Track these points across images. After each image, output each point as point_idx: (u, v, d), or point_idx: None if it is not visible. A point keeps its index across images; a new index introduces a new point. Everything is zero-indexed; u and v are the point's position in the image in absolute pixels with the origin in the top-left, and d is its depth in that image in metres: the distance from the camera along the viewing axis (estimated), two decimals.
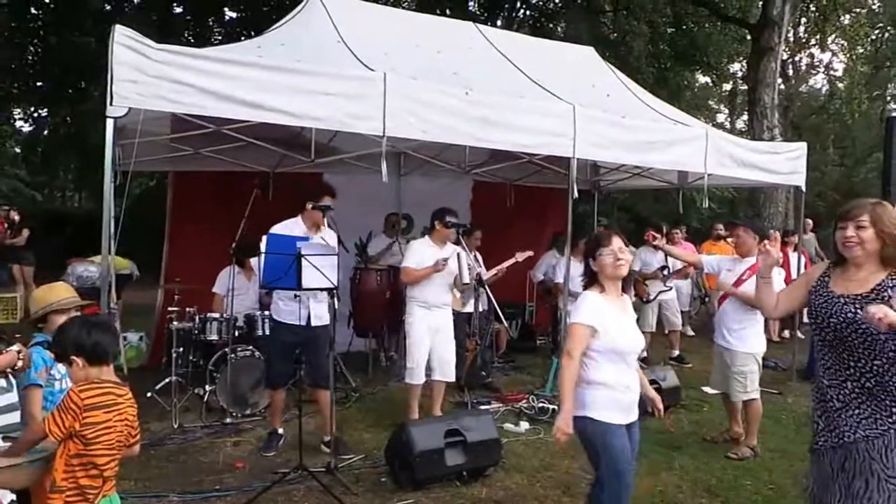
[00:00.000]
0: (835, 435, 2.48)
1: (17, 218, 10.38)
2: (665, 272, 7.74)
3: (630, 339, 3.00)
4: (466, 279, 5.06)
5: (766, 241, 2.89)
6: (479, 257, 6.66)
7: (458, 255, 5.03)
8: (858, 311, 2.38)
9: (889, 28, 20.13)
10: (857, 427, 2.42)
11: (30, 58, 16.05)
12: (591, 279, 3.06)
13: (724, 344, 4.81)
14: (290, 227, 4.44)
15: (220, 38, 16.18)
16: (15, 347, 2.63)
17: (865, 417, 2.41)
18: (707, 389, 6.44)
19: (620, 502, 2.93)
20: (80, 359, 2.31)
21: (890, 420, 2.38)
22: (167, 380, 5.35)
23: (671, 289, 7.93)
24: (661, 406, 3.23)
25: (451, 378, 5.18)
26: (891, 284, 2.39)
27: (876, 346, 2.39)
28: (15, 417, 3.05)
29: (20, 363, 2.62)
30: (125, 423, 2.37)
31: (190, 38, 15.66)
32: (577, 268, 5.98)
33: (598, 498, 3.00)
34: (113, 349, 2.42)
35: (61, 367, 2.58)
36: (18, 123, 19.79)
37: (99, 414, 2.27)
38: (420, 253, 5.05)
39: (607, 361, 2.92)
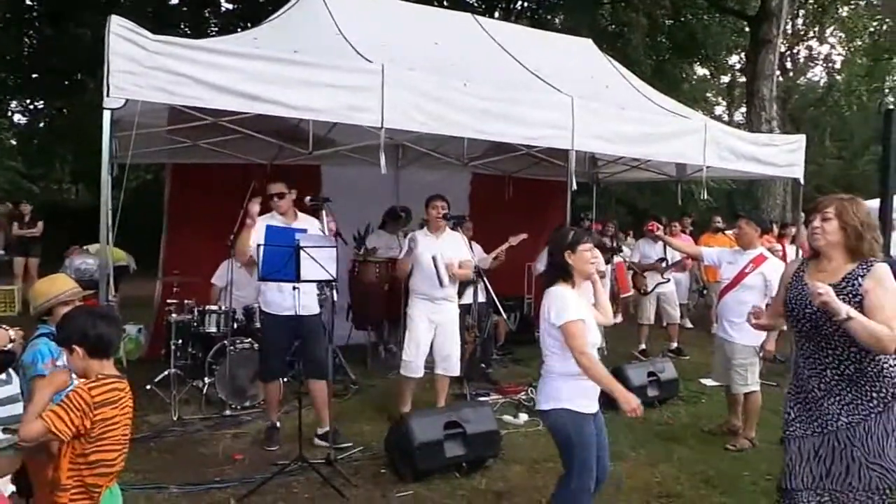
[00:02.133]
0: (816, 424, 2.54)
1: (28, 210, 10.39)
2: (664, 264, 7.75)
3: (596, 332, 3.07)
4: (445, 282, 4.93)
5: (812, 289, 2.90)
6: (477, 246, 6.65)
7: (434, 258, 4.89)
8: None
9: (887, 20, 20.08)
10: (839, 414, 2.49)
11: (26, 49, 15.98)
12: (562, 273, 3.04)
13: (725, 336, 4.83)
14: (268, 220, 4.42)
15: (216, 29, 16.11)
16: (12, 332, 2.59)
17: (847, 403, 2.48)
18: (707, 382, 6.49)
19: (586, 495, 2.97)
20: (82, 349, 2.29)
21: (871, 404, 2.45)
22: (166, 372, 5.35)
23: (669, 281, 7.94)
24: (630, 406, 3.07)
25: (455, 373, 5.18)
26: (860, 273, 2.46)
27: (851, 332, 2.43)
28: (14, 409, 3.04)
29: (11, 344, 2.57)
30: (128, 416, 2.36)
31: (186, 29, 15.57)
32: None
33: (566, 492, 3.01)
34: (115, 343, 2.41)
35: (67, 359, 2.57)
36: (14, 116, 19.71)
37: (107, 410, 2.26)
38: (415, 245, 5.03)
39: None
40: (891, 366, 2.44)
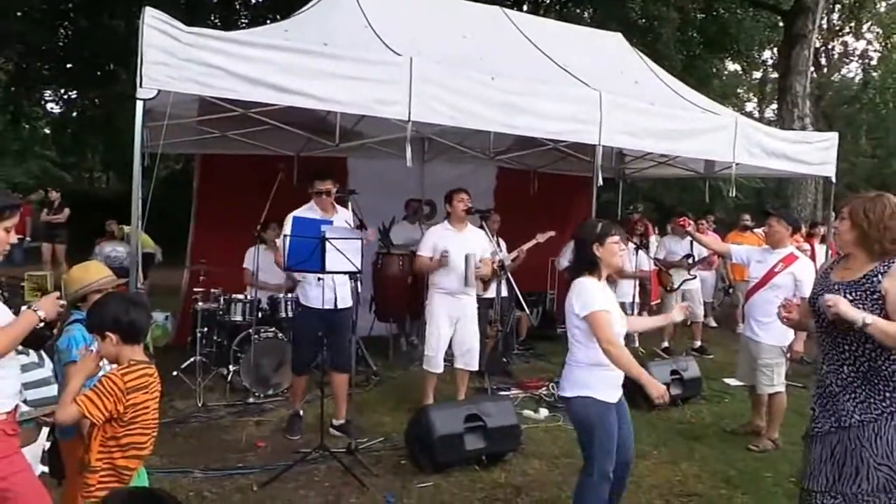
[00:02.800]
0: (833, 419, 2.53)
1: (56, 197, 10.65)
2: (690, 261, 7.67)
3: (621, 322, 3.09)
4: (471, 283, 4.96)
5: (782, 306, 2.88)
6: (502, 242, 6.65)
7: (467, 256, 4.92)
8: (847, 294, 2.45)
9: None
10: (853, 411, 2.46)
11: (60, 40, 16.28)
12: (589, 266, 3.06)
13: (752, 336, 4.76)
14: (305, 212, 4.46)
15: (246, 21, 16.26)
16: (41, 312, 2.45)
17: (861, 401, 2.46)
18: (731, 381, 6.42)
19: (606, 483, 3.00)
20: (116, 335, 2.34)
21: (884, 404, 2.42)
22: (192, 359, 5.45)
23: (695, 277, 7.85)
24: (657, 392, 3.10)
25: (474, 367, 5.18)
26: (882, 271, 2.42)
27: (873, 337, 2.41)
28: (46, 392, 3.13)
29: (42, 324, 2.49)
30: (156, 400, 2.41)
31: (216, 21, 15.74)
32: None
33: (588, 481, 3.05)
34: (146, 329, 2.46)
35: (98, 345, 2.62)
36: (49, 105, 20.12)
37: (138, 395, 2.30)
38: (434, 240, 5.04)
39: None
40: None
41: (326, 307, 4.42)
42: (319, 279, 4.25)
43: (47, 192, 11.12)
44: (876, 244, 2.44)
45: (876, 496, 2.40)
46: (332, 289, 4.37)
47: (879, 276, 2.41)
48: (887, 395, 2.41)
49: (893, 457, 2.37)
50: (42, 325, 2.44)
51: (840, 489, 2.45)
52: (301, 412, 4.79)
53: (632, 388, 3.20)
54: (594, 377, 3.00)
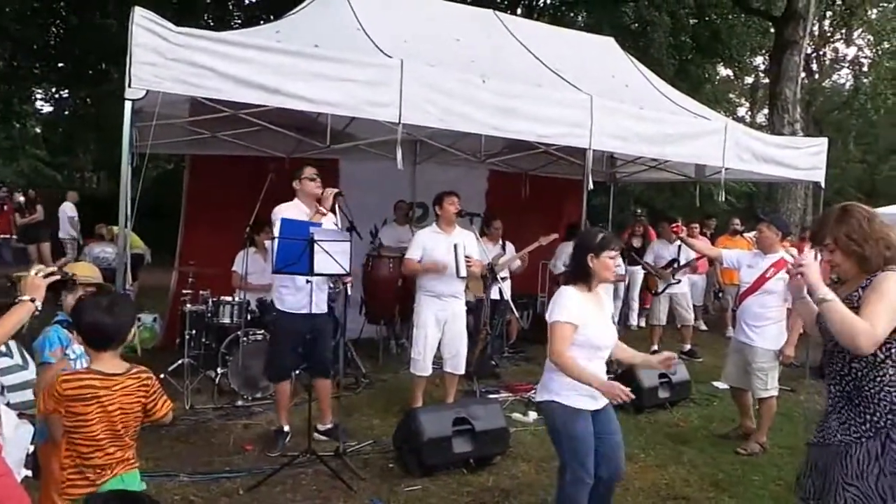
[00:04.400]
0: (821, 435, 2.49)
1: (22, 199, 10.58)
2: (675, 265, 7.70)
3: (605, 335, 3.08)
4: (463, 272, 4.92)
5: (794, 260, 2.77)
6: (510, 245, 6.66)
7: (455, 245, 4.91)
8: None
9: None
10: (836, 430, 2.42)
11: (51, 38, 16.20)
12: (580, 274, 3.07)
13: (746, 340, 4.78)
14: (291, 208, 4.37)
15: (239, 21, 16.21)
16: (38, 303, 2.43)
17: (843, 422, 2.40)
18: (719, 384, 6.43)
19: (580, 486, 2.99)
20: (81, 338, 2.34)
21: (863, 427, 2.34)
22: (180, 361, 5.42)
23: (680, 282, 7.88)
24: (673, 359, 3.16)
25: (461, 371, 5.18)
26: (864, 285, 2.36)
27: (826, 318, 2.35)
28: (28, 395, 3.10)
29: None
30: (118, 411, 2.31)
31: (209, 21, 15.69)
32: None
33: (561, 482, 3.08)
34: (118, 335, 2.35)
35: (77, 348, 2.59)
36: (39, 104, 20.02)
37: (77, 406, 2.24)
38: (423, 243, 5.02)
39: (581, 353, 2.99)
40: (894, 390, 2.31)
41: (302, 312, 4.33)
42: (308, 281, 4.22)
43: (10, 193, 11.07)
44: (876, 259, 2.36)
45: None
46: (307, 294, 4.27)
47: (860, 291, 2.36)
48: (867, 417, 2.35)
49: (863, 479, 2.30)
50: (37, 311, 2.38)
51: (825, 500, 2.43)
52: (286, 427, 4.60)
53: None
54: (559, 382, 3.01)
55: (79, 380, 2.27)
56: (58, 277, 2.48)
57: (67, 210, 11.82)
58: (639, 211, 10.08)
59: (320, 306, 4.43)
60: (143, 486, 2.49)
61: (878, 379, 2.33)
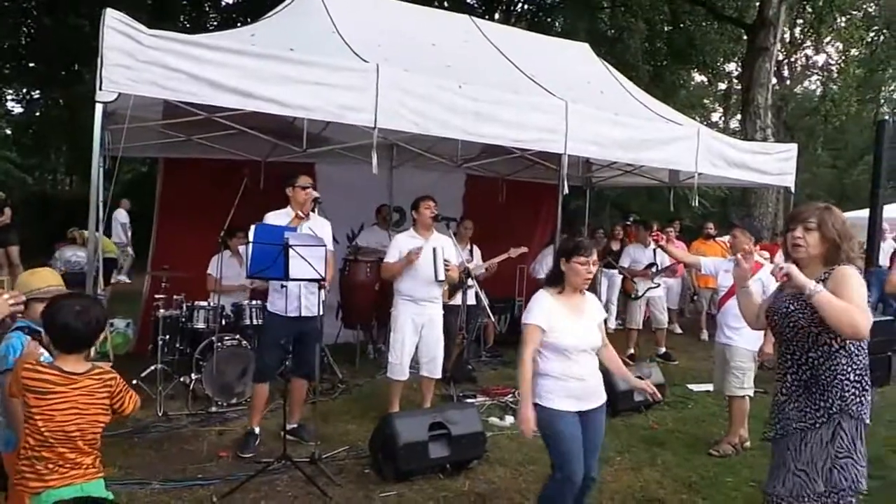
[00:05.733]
0: (780, 427, 2.60)
1: None
2: (654, 269, 7.78)
3: (573, 339, 3.11)
4: (441, 276, 4.94)
5: (743, 251, 2.92)
6: (477, 250, 6.67)
7: (434, 249, 4.93)
8: (791, 304, 2.50)
9: (884, 31, 20.18)
10: (794, 419, 2.53)
11: (23, 39, 15.90)
12: (555, 278, 3.19)
13: (725, 340, 4.87)
14: (282, 216, 4.41)
15: (216, 24, 16.08)
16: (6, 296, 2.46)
17: (800, 409, 2.52)
18: (694, 387, 6.55)
19: (566, 485, 3.06)
20: (48, 338, 2.35)
21: (818, 414, 2.47)
22: (152, 367, 5.34)
23: (659, 286, 7.97)
24: (650, 390, 3.29)
25: (438, 375, 5.18)
26: (823, 278, 2.47)
27: (809, 338, 2.48)
28: None
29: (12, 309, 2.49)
30: (72, 411, 2.30)
31: (185, 23, 15.54)
32: None
33: (551, 482, 3.16)
34: (87, 340, 2.37)
35: (44, 351, 2.57)
36: (10, 104, 19.63)
37: (30, 397, 2.28)
38: (399, 247, 5.03)
39: (554, 356, 3.09)
40: (846, 379, 2.44)
41: (291, 315, 4.38)
42: (283, 286, 4.20)
43: None
44: (844, 254, 2.49)
45: (788, 501, 2.47)
46: (296, 297, 4.34)
47: (821, 284, 2.45)
48: (821, 404, 2.46)
49: (812, 464, 2.43)
50: None
51: (769, 491, 2.56)
52: (257, 430, 4.59)
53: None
54: (541, 385, 3.09)
55: (37, 372, 2.30)
56: (22, 308, 2.53)
57: (120, 217, 12.11)
58: (634, 218, 10.14)
59: (311, 310, 4.42)
60: (110, 495, 2.45)
61: (833, 368, 2.46)
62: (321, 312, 4.34)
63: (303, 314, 4.41)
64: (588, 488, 3.25)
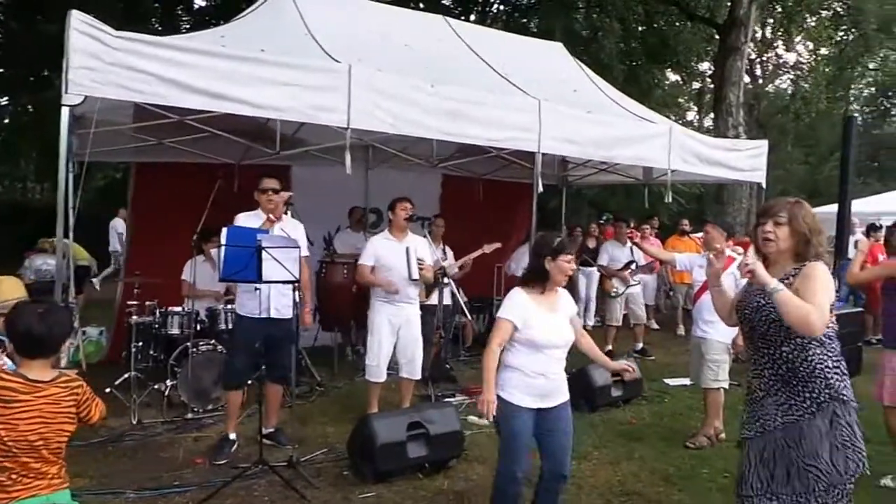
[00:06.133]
0: (759, 424, 2.58)
1: None
2: (633, 266, 7.85)
3: (549, 335, 3.14)
4: (415, 275, 4.94)
5: (715, 251, 2.94)
6: (448, 250, 6.67)
7: (407, 249, 4.94)
8: (763, 298, 2.51)
9: (852, 30, 20.60)
10: (776, 414, 2.52)
11: None
12: (535, 276, 3.19)
13: (700, 334, 4.94)
14: (252, 218, 4.37)
15: (188, 26, 15.89)
16: None
17: (782, 404, 2.51)
18: (670, 381, 6.61)
19: (507, 479, 3.13)
20: (11, 345, 2.30)
21: (804, 405, 2.47)
22: (126, 375, 5.25)
23: (639, 283, 8.05)
24: (630, 369, 3.50)
25: (417, 376, 5.18)
26: (793, 273, 2.50)
27: (782, 332, 2.49)
28: None
29: None
30: (37, 420, 2.27)
31: (157, 26, 15.34)
32: None
33: (496, 474, 3.21)
34: (50, 344, 2.33)
35: (6, 360, 2.52)
36: None
37: None
38: (375, 249, 5.02)
39: (525, 350, 3.12)
40: (825, 367, 2.47)
41: (262, 316, 4.32)
42: (256, 289, 4.16)
43: None
44: (814, 249, 2.51)
45: (807, 497, 2.44)
46: (267, 298, 4.29)
47: (791, 279, 2.49)
48: (807, 395, 2.46)
49: (820, 457, 2.41)
50: None
51: (775, 490, 2.49)
52: (233, 436, 4.55)
53: (573, 391, 3.35)
54: (504, 378, 3.14)
55: (1, 380, 2.25)
56: None
57: (118, 226, 12.13)
58: (607, 217, 10.21)
59: (281, 311, 4.39)
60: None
61: (809, 359, 2.47)
62: (296, 313, 4.31)
63: (273, 316, 4.34)
64: (561, 485, 3.27)
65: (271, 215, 4.35)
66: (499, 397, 3.08)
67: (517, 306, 3.13)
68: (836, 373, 2.48)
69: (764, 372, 2.58)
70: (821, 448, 2.41)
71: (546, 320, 3.13)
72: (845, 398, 2.46)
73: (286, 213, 4.55)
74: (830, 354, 2.49)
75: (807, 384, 2.47)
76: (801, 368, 2.48)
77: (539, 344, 3.10)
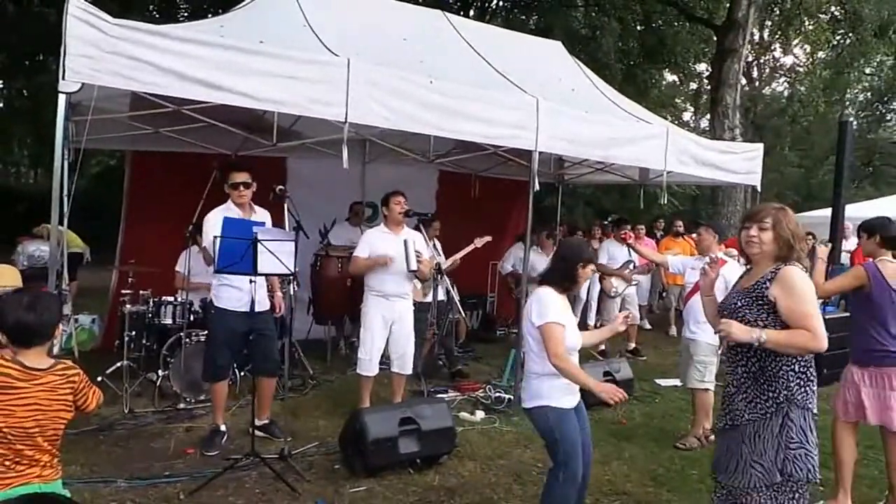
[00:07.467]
0: (729, 418, 2.70)
1: None
2: (631, 266, 7.87)
3: (576, 337, 3.17)
4: (413, 266, 4.92)
5: (710, 260, 3.00)
6: (439, 246, 6.68)
7: (405, 241, 4.94)
8: (739, 300, 2.62)
9: (850, 34, 20.65)
10: (744, 410, 2.63)
11: None
12: (562, 279, 3.17)
13: (690, 335, 4.97)
14: (223, 213, 4.29)
15: (186, 15, 15.79)
16: None
17: (750, 401, 2.62)
18: (662, 382, 6.64)
19: (573, 485, 3.09)
20: (5, 336, 2.28)
21: (767, 404, 2.56)
22: (118, 364, 5.24)
23: (637, 283, 8.08)
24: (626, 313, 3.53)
25: (409, 371, 5.18)
26: (769, 277, 2.57)
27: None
28: None
29: None
30: (33, 407, 2.27)
31: (155, 14, 15.25)
32: (542, 260, 6.10)
33: (555, 483, 3.12)
34: (42, 331, 2.32)
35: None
36: None
37: None
38: (370, 242, 5.01)
39: None
40: (790, 370, 2.54)
41: (242, 310, 4.25)
42: (252, 281, 4.14)
43: None
44: (794, 254, 2.58)
45: (749, 494, 2.55)
46: (248, 291, 4.16)
47: (767, 283, 2.56)
48: (770, 395, 2.55)
49: (766, 455, 2.51)
50: None
51: (724, 481, 2.64)
52: (223, 427, 4.55)
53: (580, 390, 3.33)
54: (550, 387, 3.09)
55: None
56: None
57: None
58: (612, 218, 10.21)
59: (262, 304, 4.36)
60: (67, 493, 2.40)
61: (779, 359, 2.56)
62: (294, 306, 4.31)
63: (256, 309, 4.25)
64: (588, 474, 3.28)
65: (240, 209, 4.33)
66: (550, 407, 3.07)
67: (558, 307, 3.09)
68: (800, 377, 2.56)
69: (737, 369, 2.68)
70: (769, 449, 2.51)
71: (571, 322, 3.16)
72: (801, 403, 2.54)
73: (284, 207, 4.54)
74: (799, 359, 2.57)
75: (771, 384, 2.57)
76: (769, 368, 2.57)
77: (572, 346, 3.11)
